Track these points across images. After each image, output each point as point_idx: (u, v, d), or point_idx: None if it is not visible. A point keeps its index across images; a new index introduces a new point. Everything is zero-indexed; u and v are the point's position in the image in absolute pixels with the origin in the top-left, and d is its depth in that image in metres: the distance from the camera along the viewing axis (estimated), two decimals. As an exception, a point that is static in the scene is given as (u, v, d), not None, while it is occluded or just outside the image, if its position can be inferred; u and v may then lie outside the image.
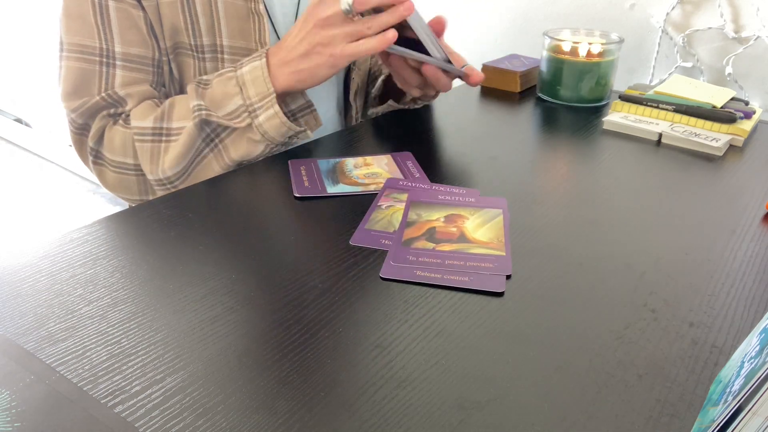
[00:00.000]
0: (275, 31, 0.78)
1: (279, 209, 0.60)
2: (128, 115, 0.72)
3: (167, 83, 0.77)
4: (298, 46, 0.67)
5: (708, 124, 0.82)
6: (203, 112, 0.68)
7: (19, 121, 2.68)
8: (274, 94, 0.68)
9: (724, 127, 0.81)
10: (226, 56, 0.75)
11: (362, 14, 0.68)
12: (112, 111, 0.73)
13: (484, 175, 0.68)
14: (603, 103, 0.94)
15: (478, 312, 0.47)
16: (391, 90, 0.90)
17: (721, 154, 0.77)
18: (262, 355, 0.42)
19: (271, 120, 0.68)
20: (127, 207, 0.63)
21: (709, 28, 0.98)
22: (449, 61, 0.73)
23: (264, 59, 0.68)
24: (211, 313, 0.46)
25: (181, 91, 0.77)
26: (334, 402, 0.38)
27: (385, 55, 0.77)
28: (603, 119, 0.85)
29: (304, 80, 0.69)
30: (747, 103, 0.87)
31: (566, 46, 0.92)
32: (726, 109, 0.82)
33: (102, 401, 0.38)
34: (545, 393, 0.39)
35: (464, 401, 0.39)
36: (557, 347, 0.43)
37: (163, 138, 0.70)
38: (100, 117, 0.73)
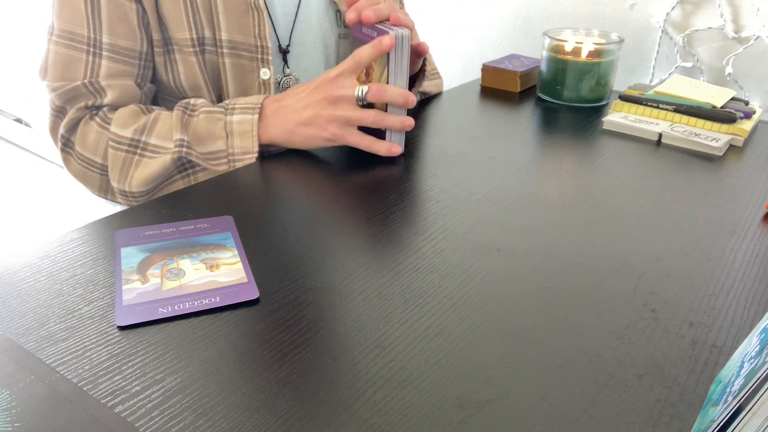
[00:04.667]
0: (274, 28, 0.78)
1: (278, 209, 0.60)
2: (106, 113, 0.73)
3: (163, 75, 0.77)
4: (302, 111, 0.69)
5: (708, 124, 0.82)
6: (184, 149, 0.69)
7: (19, 121, 2.68)
8: (257, 153, 0.69)
9: (724, 127, 0.81)
10: (225, 50, 0.75)
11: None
12: (90, 102, 0.72)
13: (484, 175, 0.68)
14: (603, 103, 0.94)
15: (478, 312, 0.47)
16: None
17: (721, 154, 0.77)
18: (262, 355, 0.42)
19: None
20: (127, 207, 0.63)
21: (709, 28, 0.98)
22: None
23: (256, 115, 0.69)
24: (210, 313, 0.46)
25: (177, 85, 0.77)
26: (334, 402, 0.38)
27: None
28: (603, 119, 0.85)
29: (292, 143, 0.71)
30: (747, 103, 0.87)
31: (566, 46, 0.92)
32: (726, 109, 0.82)
33: (102, 401, 0.38)
34: (545, 393, 0.39)
35: (464, 401, 0.39)
36: (557, 347, 0.43)
37: (138, 151, 0.70)
38: (78, 107, 0.72)
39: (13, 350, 0.41)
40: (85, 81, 0.72)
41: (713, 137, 0.79)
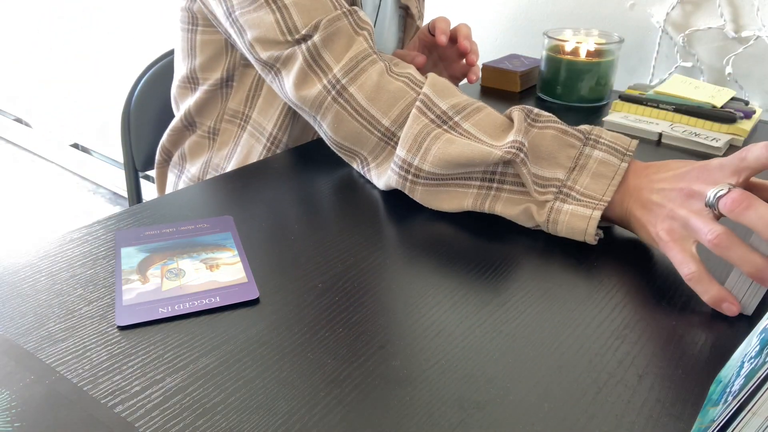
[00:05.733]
0: None
1: (278, 209, 0.60)
2: (391, 65, 0.62)
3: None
4: (653, 192, 0.52)
5: (708, 124, 0.82)
6: (522, 154, 0.54)
7: (19, 121, 2.68)
8: (603, 206, 0.53)
9: (724, 127, 0.81)
10: None
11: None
12: (367, 44, 0.59)
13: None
14: (603, 103, 0.95)
15: (478, 312, 0.47)
16: None
17: (721, 154, 0.77)
18: (261, 355, 0.42)
19: (575, 220, 0.54)
20: (127, 207, 0.63)
21: (709, 28, 0.98)
22: None
23: (625, 164, 0.55)
24: (210, 313, 0.46)
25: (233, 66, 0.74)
26: (334, 402, 0.38)
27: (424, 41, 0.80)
28: (603, 119, 0.85)
29: (624, 221, 0.55)
30: (747, 103, 0.87)
31: (566, 46, 0.92)
32: (726, 109, 0.82)
33: (102, 401, 0.38)
34: (545, 393, 0.39)
35: (464, 401, 0.39)
36: (557, 347, 0.43)
37: (445, 127, 0.58)
38: (356, 42, 0.59)
39: (13, 350, 0.41)
40: (343, 10, 0.59)
41: (713, 137, 0.79)
